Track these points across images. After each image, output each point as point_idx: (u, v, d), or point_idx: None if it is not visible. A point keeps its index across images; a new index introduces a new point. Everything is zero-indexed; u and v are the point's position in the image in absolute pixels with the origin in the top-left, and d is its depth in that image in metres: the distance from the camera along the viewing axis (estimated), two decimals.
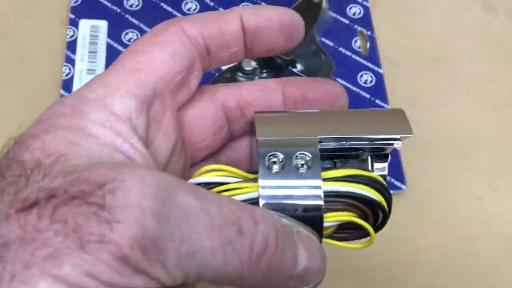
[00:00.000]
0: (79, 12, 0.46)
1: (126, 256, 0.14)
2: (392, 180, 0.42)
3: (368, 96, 0.46)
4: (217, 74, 0.45)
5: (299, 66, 0.43)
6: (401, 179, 0.42)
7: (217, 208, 0.15)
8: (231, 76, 0.44)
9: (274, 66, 0.43)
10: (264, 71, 0.44)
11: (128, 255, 0.14)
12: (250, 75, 0.43)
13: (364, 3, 0.51)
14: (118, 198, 0.14)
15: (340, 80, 0.46)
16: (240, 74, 0.43)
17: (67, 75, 0.43)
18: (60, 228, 0.14)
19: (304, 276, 0.17)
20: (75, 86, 0.43)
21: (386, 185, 0.23)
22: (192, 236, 0.15)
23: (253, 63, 0.43)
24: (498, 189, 0.43)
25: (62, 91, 0.42)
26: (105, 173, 0.15)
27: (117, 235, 0.14)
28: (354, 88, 0.46)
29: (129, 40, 0.46)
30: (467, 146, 0.45)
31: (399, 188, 0.42)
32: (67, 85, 0.43)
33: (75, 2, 0.47)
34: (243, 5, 0.49)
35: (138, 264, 0.14)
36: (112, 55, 0.45)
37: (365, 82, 0.47)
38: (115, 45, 0.45)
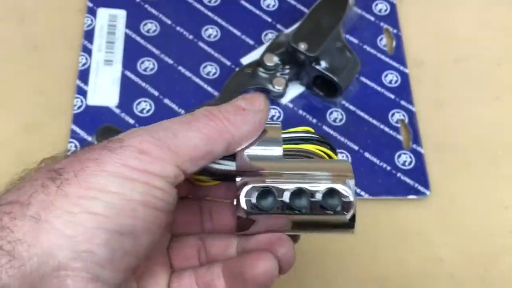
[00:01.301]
0: (97, 1, 0.45)
1: (143, 149, 0.20)
2: (416, 185, 0.41)
3: (392, 96, 0.44)
4: (237, 69, 0.43)
5: (323, 64, 0.41)
6: (425, 184, 0.41)
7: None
8: (252, 72, 0.42)
9: (297, 62, 0.42)
10: (287, 67, 0.42)
11: (144, 148, 0.20)
12: (271, 71, 0.42)
13: None
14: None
15: (364, 79, 0.45)
16: (261, 69, 0.42)
17: (83, 65, 0.42)
18: (97, 147, 0.21)
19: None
20: (92, 77, 0.41)
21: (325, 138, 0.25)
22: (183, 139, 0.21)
23: (276, 59, 0.42)
24: None
25: (78, 82, 0.41)
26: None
27: (131, 142, 0.20)
28: (379, 88, 0.45)
29: (147, 31, 0.44)
30: (495, 152, 0.43)
31: (422, 193, 0.40)
32: (84, 75, 0.42)
33: None
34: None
35: (153, 153, 0.20)
36: (130, 46, 0.43)
37: (390, 82, 0.45)
38: (133, 35, 0.44)
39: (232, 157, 0.23)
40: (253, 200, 0.22)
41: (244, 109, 0.23)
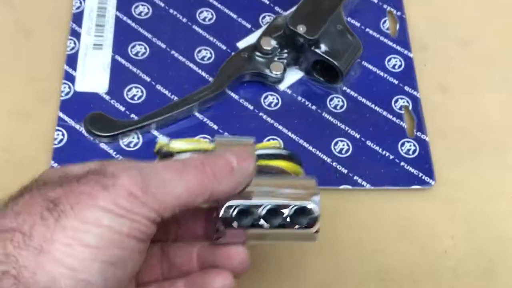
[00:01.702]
0: None
1: (132, 192, 0.22)
2: (420, 174, 0.39)
3: (396, 82, 0.42)
4: (233, 53, 0.41)
5: (323, 47, 0.39)
6: (430, 173, 0.39)
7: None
8: (248, 56, 0.40)
9: (296, 46, 0.40)
10: (285, 51, 0.40)
11: (133, 192, 0.22)
12: (269, 55, 0.40)
13: None
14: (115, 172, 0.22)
15: (366, 64, 0.43)
16: (258, 54, 0.40)
17: (71, 49, 0.40)
18: (90, 182, 0.22)
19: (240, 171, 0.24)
20: (80, 62, 0.40)
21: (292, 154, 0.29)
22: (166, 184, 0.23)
23: (273, 42, 0.40)
24: None
25: (66, 67, 0.39)
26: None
27: (122, 182, 0.21)
28: (382, 73, 0.43)
29: (139, 14, 0.42)
30: (503, 139, 0.41)
31: (427, 183, 0.39)
32: (72, 60, 0.40)
33: None
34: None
35: (140, 198, 0.22)
36: (120, 29, 0.41)
37: (394, 67, 0.43)
38: (124, 18, 0.42)
39: None
40: (233, 216, 0.24)
41: (233, 168, 0.24)
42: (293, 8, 0.40)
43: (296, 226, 0.25)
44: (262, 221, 0.24)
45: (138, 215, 0.22)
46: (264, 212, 0.24)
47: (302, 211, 0.25)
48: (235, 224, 0.24)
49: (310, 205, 0.25)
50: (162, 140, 0.33)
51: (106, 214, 0.21)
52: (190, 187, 0.23)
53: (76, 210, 0.21)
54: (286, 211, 0.25)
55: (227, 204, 0.24)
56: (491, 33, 0.46)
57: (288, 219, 0.25)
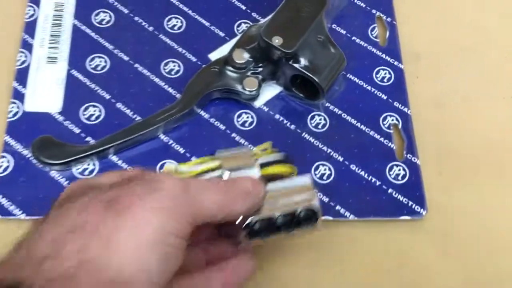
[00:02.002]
0: None
1: (176, 196, 0.24)
2: (410, 203, 0.35)
3: (385, 96, 0.38)
4: (203, 66, 0.37)
5: (302, 61, 0.35)
6: (421, 202, 0.35)
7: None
8: (218, 70, 0.36)
9: (271, 59, 0.35)
10: (260, 64, 0.36)
11: (177, 195, 0.24)
12: (242, 70, 0.36)
13: None
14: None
15: (351, 77, 0.39)
16: (230, 68, 0.36)
17: (22, 63, 0.36)
18: (139, 185, 0.24)
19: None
20: (31, 78, 0.35)
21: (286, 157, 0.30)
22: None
23: (246, 56, 0.36)
24: None
25: (15, 84, 0.35)
26: None
27: (168, 186, 0.23)
28: (369, 87, 0.38)
29: (100, 22, 0.38)
30: (504, 161, 0.37)
31: (417, 213, 0.35)
32: (22, 76, 0.35)
33: None
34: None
35: (183, 202, 0.24)
36: (78, 40, 0.37)
37: (382, 80, 0.39)
38: (83, 27, 0.38)
39: None
40: (255, 230, 0.27)
41: (249, 192, 0.26)
42: (268, 17, 0.36)
43: (306, 226, 0.28)
44: (278, 229, 0.28)
45: (181, 217, 0.24)
46: (279, 221, 0.27)
47: (308, 213, 0.28)
48: (258, 237, 0.27)
49: (314, 207, 0.28)
50: (169, 166, 0.33)
51: (156, 214, 0.23)
52: (220, 209, 0.25)
53: (131, 210, 0.22)
54: (296, 214, 0.28)
55: (250, 220, 0.27)
56: (491, 41, 0.42)
57: (298, 222, 0.28)
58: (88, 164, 0.34)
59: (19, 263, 0.22)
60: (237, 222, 0.27)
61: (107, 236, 0.22)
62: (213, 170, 0.28)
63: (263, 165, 0.29)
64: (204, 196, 0.24)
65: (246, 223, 0.27)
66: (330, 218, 0.34)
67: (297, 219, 0.28)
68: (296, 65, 0.35)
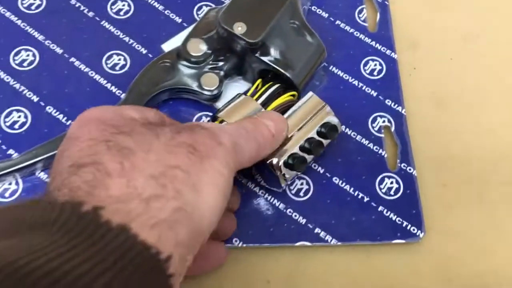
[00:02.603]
0: None
1: (230, 150, 0.23)
2: (405, 223, 0.29)
3: (374, 93, 0.32)
4: (154, 58, 0.30)
5: (272, 52, 0.29)
6: (417, 221, 0.29)
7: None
8: (171, 64, 0.29)
9: (235, 51, 0.29)
10: (221, 58, 0.30)
11: (231, 149, 0.23)
12: (199, 64, 0.29)
13: None
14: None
15: (335, 70, 0.32)
16: (184, 62, 0.29)
17: None
18: (208, 135, 0.23)
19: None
20: None
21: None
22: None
23: (204, 47, 0.29)
24: None
25: None
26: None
27: (225, 140, 0.23)
28: (355, 82, 0.32)
29: (28, 7, 0.32)
30: None
31: (414, 235, 0.29)
32: None
33: None
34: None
35: (234, 155, 0.24)
36: (1, 29, 0.31)
37: (372, 73, 0.32)
38: (7, 14, 0.31)
39: None
40: (289, 163, 0.27)
41: (273, 134, 0.26)
42: None
43: (329, 139, 0.29)
44: (308, 156, 0.28)
45: (234, 170, 0.23)
46: (306, 146, 0.28)
47: (328, 127, 0.28)
48: (293, 171, 0.27)
49: (330, 119, 0.28)
50: None
51: (225, 167, 0.22)
52: (253, 152, 0.25)
53: (210, 159, 0.22)
54: (318, 132, 0.28)
55: (285, 158, 0.27)
56: (501, 27, 0.35)
57: (323, 138, 0.28)
58: (10, 184, 0.28)
59: (121, 198, 0.19)
60: (267, 162, 0.27)
61: (195, 184, 0.21)
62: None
63: (264, 104, 0.29)
64: (245, 147, 0.25)
65: (277, 162, 0.27)
66: (308, 243, 0.28)
67: (320, 137, 0.28)
68: (264, 58, 0.28)
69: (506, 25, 0.35)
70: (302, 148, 0.28)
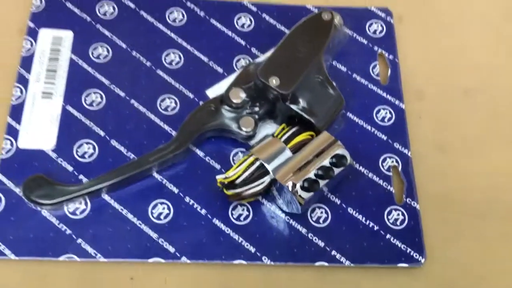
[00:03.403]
0: (40, 20, 0.38)
1: None
2: (409, 249, 0.34)
3: (384, 137, 0.37)
4: (199, 104, 0.37)
5: (300, 102, 0.34)
6: (420, 249, 0.34)
7: None
8: (214, 108, 0.35)
9: (268, 99, 0.35)
10: (257, 104, 0.35)
11: None
12: (238, 109, 0.35)
13: (388, 18, 0.42)
14: None
15: (351, 116, 0.38)
16: (226, 107, 0.35)
17: (17, 99, 0.36)
18: None
19: None
20: (26, 114, 0.35)
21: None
22: None
23: (243, 95, 0.35)
24: None
25: (9, 120, 0.35)
26: None
27: None
28: (368, 127, 0.38)
29: (97, 57, 0.38)
30: (510, 208, 0.36)
31: (416, 260, 0.34)
32: (16, 111, 0.35)
33: (37, 7, 0.39)
34: (239, 17, 0.40)
35: None
36: (74, 75, 0.37)
37: (383, 120, 0.38)
38: (80, 62, 0.38)
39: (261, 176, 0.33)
40: (304, 186, 0.32)
41: None
42: (267, 55, 0.36)
43: (340, 167, 0.33)
44: (321, 180, 0.33)
45: None
46: (319, 173, 0.33)
47: (338, 157, 0.33)
48: (310, 193, 0.32)
49: (340, 151, 0.34)
50: (219, 176, 0.34)
51: None
52: None
53: None
54: (330, 162, 0.33)
55: (301, 183, 0.32)
56: (499, 81, 0.40)
57: (334, 167, 0.33)
58: (80, 203, 0.33)
59: None
60: (286, 184, 0.32)
61: None
62: (253, 163, 0.33)
63: (287, 141, 0.34)
64: None
65: (294, 184, 0.32)
66: (326, 263, 0.33)
67: (331, 165, 0.33)
68: (293, 106, 0.34)
69: (502, 81, 0.40)
70: (316, 174, 0.33)
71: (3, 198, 0.33)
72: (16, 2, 0.39)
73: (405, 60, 0.40)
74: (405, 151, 0.37)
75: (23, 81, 0.36)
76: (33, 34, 0.38)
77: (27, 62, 0.37)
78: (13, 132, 0.35)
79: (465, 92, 0.40)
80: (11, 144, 0.34)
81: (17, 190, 0.33)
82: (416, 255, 0.34)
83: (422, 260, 0.34)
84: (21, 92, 0.36)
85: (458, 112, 0.39)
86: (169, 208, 0.34)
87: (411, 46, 0.41)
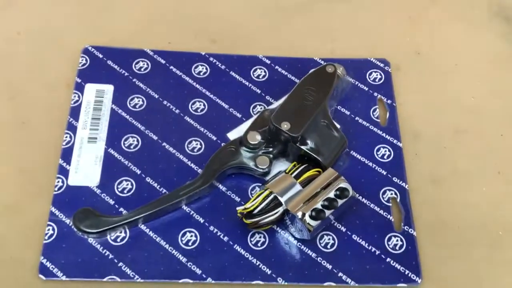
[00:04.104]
0: (85, 76, 0.45)
1: None
2: (407, 271, 0.38)
3: (384, 172, 0.42)
4: (222, 144, 0.42)
5: (307, 142, 0.40)
6: (416, 270, 0.38)
7: None
8: (234, 149, 0.41)
9: (281, 140, 0.40)
10: (271, 145, 0.41)
11: None
12: (255, 149, 0.41)
13: (386, 68, 0.47)
14: None
15: (354, 154, 0.43)
16: (244, 148, 0.41)
17: (67, 143, 0.42)
18: None
19: None
20: (74, 156, 0.41)
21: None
22: None
23: (258, 137, 0.41)
24: None
25: (61, 161, 0.41)
26: None
27: None
28: (370, 163, 0.43)
29: (134, 106, 0.44)
30: (496, 234, 0.41)
31: (413, 281, 0.38)
32: (67, 154, 0.41)
33: (83, 65, 0.46)
34: (255, 69, 0.47)
35: None
36: (115, 122, 0.43)
37: (382, 157, 0.43)
38: (119, 111, 0.44)
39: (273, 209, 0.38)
40: (311, 215, 0.37)
41: None
42: (279, 102, 0.41)
43: (343, 199, 0.38)
44: (327, 208, 0.38)
45: None
46: (325, 204, 0.38)
47: (341, 190, 0.38)
48: (316, 220, 0.37)
49: (343, 185, 0.39)
50: (239, 208, 0.39)
51: None
52: None
53: None
54: (334, 195, 0.38)
55: (309, 212, 0.37)
56: (487, 122, 0.46)
57: (337, 198, 0.38)
58: (120, 232, 0.39)
59: None
60: (297, 214, 0.37)
61: None
62: (268, 196, 0.38)
63: (297, 176, 0.39)
64: None
65: (303, 214, 0.37)
66: (333, 284, 0.38)
67: (336, 197, 0.38)
68: (302, 147, 0.40)
69: (488, 122, 0.45)
70: (322, 205, 0.37)
71: (55, 228, 0.39)
72: (65, 61, 0.46)
73: (402, 104, 0.46)
74: (403, 184, 0.42)
75: (72, 128, 0.43)
76: (80, 88, 0.45)
77: (75, 112, 0.43)
78: (64, 172, 0.41)
79: (456, 132, 0.45)
80: (62, 182, 0.40)
81: (68, 221, 0.39)
82: (413, 276, 0.38)
83: (419, 281, 0.38)
84: (70, 137, 0.42)
85: (450, 150, 0.44)
86: (196, 236, 0.39)
87: (407, 92, 0.47)
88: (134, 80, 0.45)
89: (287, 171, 0.40)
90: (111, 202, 0.40)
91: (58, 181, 0.40)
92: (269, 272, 0.38)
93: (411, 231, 0.40)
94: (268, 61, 0.47)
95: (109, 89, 0.45)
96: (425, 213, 0.41)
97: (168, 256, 0.38)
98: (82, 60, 0.46)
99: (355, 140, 0.43)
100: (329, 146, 0.40)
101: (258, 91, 0.46)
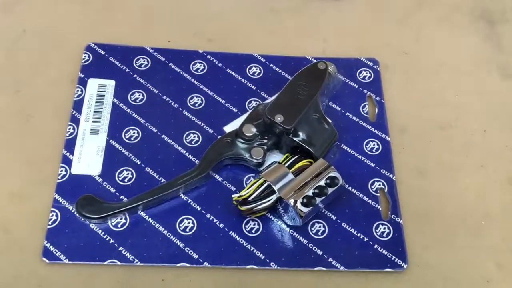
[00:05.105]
0: (88, 71, 0.47)
1: None
2: (393, 257, 0.40)
3: (373, 164, 0.45)
4: (218, 137, 0.44)
5: (300, 134, 0.42)
6: (402, 256, 0.40)
7: None
8: (230, 141, 0.43)
9: (275, 133, 0.43)
10: (265, 137, 0.43)
11: None
12: (250, 141, 0.43)
13: (375, 66, 0.50)
14: None
15: (345, 147, 0.45)
16: (240, 140, 0.43)
17: (70, 135, 0.44)
18: None
19: None
20: (77, 147, 0.43)
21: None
22: None
23: (254, 130, 0.43)
24: (510, 272, 0.41)
25: (64, 151, 0.43)
26: None
27: None
28: (359, 156, 0.45)
29: (134, 100, 0.46)
30: (478, 223, 0.43)
31: (399, 266, 0.40)
32: (70, 145, 0.43)
33: (85, 61, 0.48)
34: (250, 67, 0.49)
35: None
36: (116, 115, 0.45)
37: (371, 150, 0.45)
38: (121, 105, 0.46)
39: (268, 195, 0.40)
40: (303, 202, 0.39)
41: None
42: (273, 97, 0.43)
43: (333, 187, 0.40)
44: (318, 196, 0.40)
45: None
46: (316, 191, 0.40)
47: (331, 179, 0.40)
48: (308, 207, 0.39)
49: (333, 173, 0.41)
50: (234, 195, 0.41)
51: None
52: None
53: None
54: (324, 183, 0.40)
55: (301, 199, 0.39)
56: (469, 118, 0.48)
57: (328, 187, 0.40)
58: (121, 218, 0.41)
59: None
60: (289, 201, 0.39)
61: None
62: (262, 184, 0.40)
63: (290, 166, 0.41)
64: None
65: (295, 201, 0.39)
66: (324, 268, 0.40)
67: (326, 185, 0.40)
68: (295, 138, 0.42)
69: (470, 118, 0.48)
70: (313, 192, 0.39)
71: (59, 214, 0.40)
72: (69, 57, 0.48)
73: (390, 101, 0.48)
74: (390, 176, 0.44)
75: (75, 121, 0.45)
76: (83, 83, 0.47)
77: (78, 105, 0.45)
78: (67, 161, 0.43)
79: (440, 127, 0.47)
80: (66, 171, 0.42)
81: (70, 208, 0.41)
82: (399, 262, 0.40)
83: (405, 266, 0.40)
84: (74, 129, 0.44)
85: (435, 144, 0.46)
86: (193, 223, 0.41)
87: (395, 89, 0.49)
88: (135, 75, 0.47)
89: (280, 162, 0.42)
90: (112, 190, 0.42)
91: (62, 170, 0.42)
92: (262, 257, 0.40)
93: (397, 219, 0.42)
94: (262, 59, 0.49)
95: (110, 84, 0.47)
96: (411, 203, 0.43)
97: (167, 241, 0.40)
98: (85, 56, 0.48)
99: (346, 134, 0.46)
100: (321, 138, 0.42)
101: (253, 87, 0.48)
